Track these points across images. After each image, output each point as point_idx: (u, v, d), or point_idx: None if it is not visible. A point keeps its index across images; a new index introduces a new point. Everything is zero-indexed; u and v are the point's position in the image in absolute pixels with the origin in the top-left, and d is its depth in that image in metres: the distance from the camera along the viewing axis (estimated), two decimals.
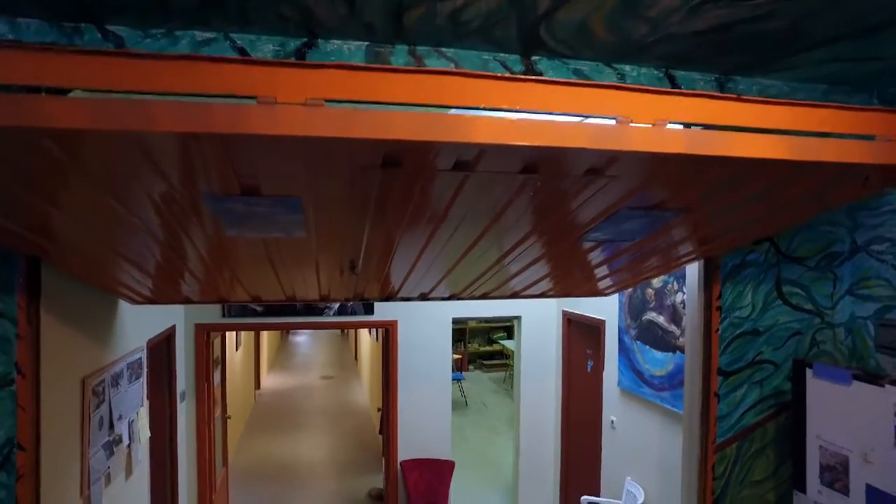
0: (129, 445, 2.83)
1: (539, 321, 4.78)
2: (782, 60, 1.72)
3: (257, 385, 8.67)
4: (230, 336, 5.96)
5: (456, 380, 7.95)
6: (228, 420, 4.89)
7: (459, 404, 7.97)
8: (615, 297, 3.87)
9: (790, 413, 2.42)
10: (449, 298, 3.05)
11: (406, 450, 4.51)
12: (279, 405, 8.24)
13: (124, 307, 2.84)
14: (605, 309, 4.00)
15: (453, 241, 2.01)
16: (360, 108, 1.17)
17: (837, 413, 1.99)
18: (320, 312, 4.24)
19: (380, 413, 4.97)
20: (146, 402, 3.17)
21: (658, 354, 3.36)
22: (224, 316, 4.08)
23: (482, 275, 2.63)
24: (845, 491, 1.94)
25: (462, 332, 9.99)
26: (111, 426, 2.58)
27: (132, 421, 2.88)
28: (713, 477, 2.45)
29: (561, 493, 4.77)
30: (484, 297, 3.07)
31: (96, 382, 2.41)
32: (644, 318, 3.50)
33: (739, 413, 2.48)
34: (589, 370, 4.42)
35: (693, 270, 2.58)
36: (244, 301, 2.90)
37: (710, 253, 2.42)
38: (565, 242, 2.13)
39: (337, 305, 4.27)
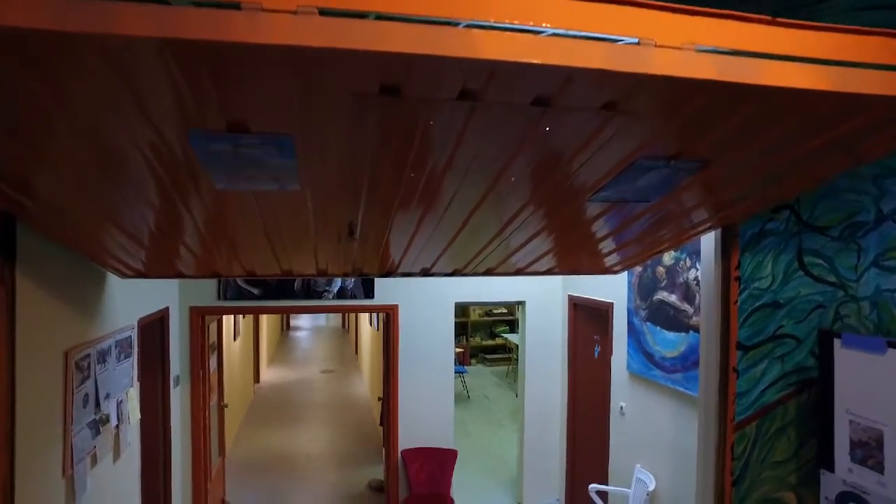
0: (117, 426, 2.70)
1: (544, 306, 4.65)
2: (804, 9, 1.60)
3: (256, 379, 8.55)
4: (227, 324, 5.84)
5: (458, 373, 7.82)
6: (225, 408, 4.76)
7: (462, 397, 7.84)
8: (623, 278, 3.74)
9: (816, 387, 2.29)
10: (451, 274, 2.92)
11: (407, 439, 4.38)
12: (279, 398, 8.12)
13: (113, 282, 2.72)
14: (613, 291, 3.87)
15: (456, 202, 1.88)
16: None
17: (870, 385, 1.86)
18: (319, 296, 4.12)
19: (380, 402, 4.84)
20: (136, 384, 3.05)
21: (670, 335, 3.23)
22: (220, 299, 3.96)
23: (485, 247, 2.50)
24: (879, 468, 1.81)
25: (464, 325, 9.86)
26: (97, 404, 2.45)
27: (121, 401, 2.76)
28: (732, 457, 2.32)
29: (567, 483, 4.64)
30: (487, 273, 2.94)
31: (80, 357, 2.29)
32: (655, 297, 3.37)
33: (759, 390, 2.34)
34: (596, 356, 4.28)
35: (709, 240, 2.45)
36: (239, 275, 2.78)
37: (728, 220, 2.29)
38: (573, 205, 2.00)
39: (336, 289, 4.15)
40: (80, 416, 2.28)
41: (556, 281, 4.65)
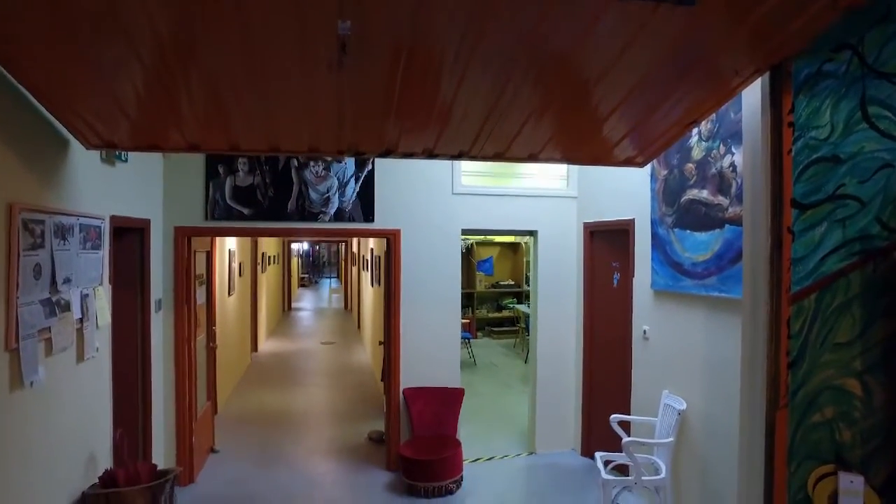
0: (80, 321, 2.40)
1: (557, 238, 4.30)
2: None
3: (254, 348, 8.24)
4: (221, 272, 5.55)
5: (464, 339, 7.50)
6: (214, 349, 4.46)
7: (468, 364, 7.51)
8: (646, 186, 3.40)
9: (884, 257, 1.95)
10: (458, 157, 2.60)
11: (410, 378, 4.05)
12: (277, 365, 7.81)
13: (79, 159, 2.42)
14: (634, 205, 3.55)
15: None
16: None
17: None
18: (314, 217, 3.80)
19: (381, 346, 4.51)
20: (108, 286, 2.74)
21: (701, 236, 2.89)
22: (207, 219, 3.65)
23: (494, 105, 2.17)
24: None
25: (470, 296, 9.51)
26: (53, 282, 2.15)
27: (86, 296, 2.46)
28: (788, 335, 1.98)
29: (583, 430, 4.29)
30: (497, 157, 2.62)
31: (31, 218, 1.99)
32: (683, 199, 3.04)
33: (818, 257, 2.00)
34: (615, 285, 3.95)
35: (755, 90, 2.13)
36: (221, 150, 2.46)
37: (777, 56, 1.96)
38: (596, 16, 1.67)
39: (333, 210, 3.83)
40: (29, 286, 1.98)
41: (570, 210, 4.31)
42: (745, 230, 2.13)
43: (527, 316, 7.63)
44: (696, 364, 3.01)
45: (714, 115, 2.85)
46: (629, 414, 3.56)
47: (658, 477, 2.95)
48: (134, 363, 3.19)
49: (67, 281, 2.27)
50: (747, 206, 2.11)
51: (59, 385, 2.24)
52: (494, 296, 10.04)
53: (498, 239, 9.92)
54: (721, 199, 2.75)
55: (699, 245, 2.91)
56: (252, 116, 2.23)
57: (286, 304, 13.84)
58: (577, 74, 2.04)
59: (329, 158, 3.81)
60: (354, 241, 11.59)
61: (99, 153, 2.65)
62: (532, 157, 2.67)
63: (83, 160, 2.47)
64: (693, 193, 2.95)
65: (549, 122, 2.39)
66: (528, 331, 6.84)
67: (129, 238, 3.20)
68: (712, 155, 2.82)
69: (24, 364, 1.94)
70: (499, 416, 5.40)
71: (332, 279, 24.86)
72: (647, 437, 3.22)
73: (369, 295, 8.04)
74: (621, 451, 3.01)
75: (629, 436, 3.23)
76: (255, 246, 8.28)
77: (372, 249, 7.52)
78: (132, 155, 3.04)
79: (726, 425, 2.75)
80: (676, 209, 3.10)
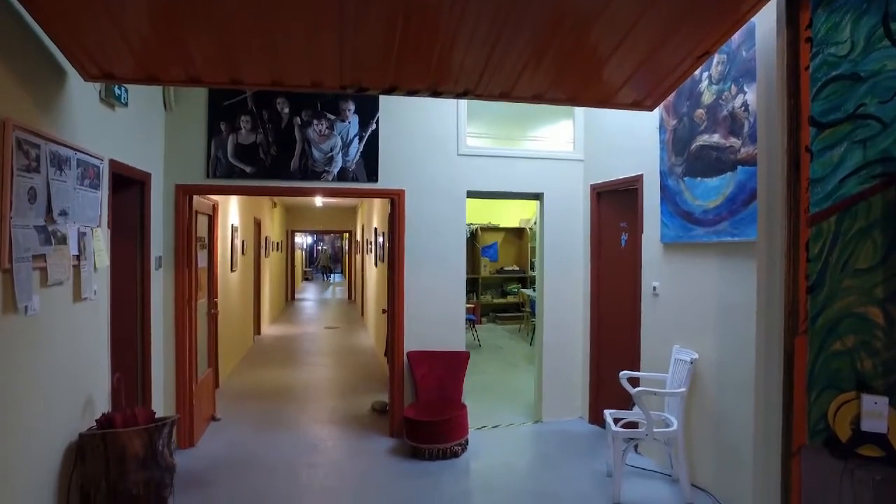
0: (77, 258, 2.35)
1: (564, 200, 4.23)
2: None
3: (257, 331, 8.19)
4: (224, 250, 5.50)
5: (469, 321, 7.42)
6: (215, 315, 4.40)
7: (473, 346, 7.43)
8: (653, 144, 3.34)
9: None
10: (464, 95, 2.53)
11: (414, 343, 3.98)
12: (280, 346, 7.74)
13: (79, 95, 2.38)
14: (642, 161, 3.48)
15: None
16: None
17: None
18: (317, 177, 3.74)
19: (385, 315, 4.44)
20: (107, 230, 2.70)
21: (712, 182, 2.82)
22: (208, 177, 3.60)
23: (499, 35, 2.10)
24: None
25: (474, 282, 9.43)
26: (49, 212, 2.10)
27: (84, 234, 2.41)
28: (807, 258, 1.91)
29: (590, 397, 4.20)
30: (503, 96, 2.55)
31: (26, 139, 1.94)
32: (693, 146, 2.97)
33: (838, 178, 1.93)
34: (623, 245, 3.87)
35: (769, 15, 2.06)
36: (223, 84, 2.41)
37: None
38: None
39: (336, 170, 3.77)
40: (24, 209, 1.93)
41: (577, 173, 4.24)
42: (760, 151, 2.06)
43: (532, 300, 7.55)
44: (707, 314, 2.93)
45: (725, 56, 2.78)
46: (638, 378, 3.48)
47: (670, 429, 2.87)
48: (133, 315, 3.15)
49: (64, 213, 2.23)
50: (762, 126, 2.03)
51: (55, 320, 2.19)
52: (499, 281, 9.96)
53: (503, 224, 9.84)
54: (733, 141, 2.68)
55: (710, 191, 2.83)
56: (255, 47, 2.17)
57: (290, 294, 13.81)
58: (572, 14, 1.97)
59: (332, 117, 3.75)
60: (359, 229, 11.54)
61: (98, 94, 2.61)
62: (537, 98, 2.61)
63: (82, 96, 2.43)
64: (703, 139, 2.88)
65: (549, 62, 2.32)
66: (533, 315, 6.77)
67: (129, 191, 3.16)
68: (723, 97, 2.74)
69: (18, 287, 1.89)
70: (504, 391, 5.32)
71: (337, 274, 24.93)
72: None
73: (373, 276, 7.99)
74: (630, 411, 2.94)
75: None
76: (258, 228, 8.25)
77: (376, 229, 7.47)
78: (132, 103, 2.99)
79: (739, 374, 2.67)
80: (686, 158, 3.03)
